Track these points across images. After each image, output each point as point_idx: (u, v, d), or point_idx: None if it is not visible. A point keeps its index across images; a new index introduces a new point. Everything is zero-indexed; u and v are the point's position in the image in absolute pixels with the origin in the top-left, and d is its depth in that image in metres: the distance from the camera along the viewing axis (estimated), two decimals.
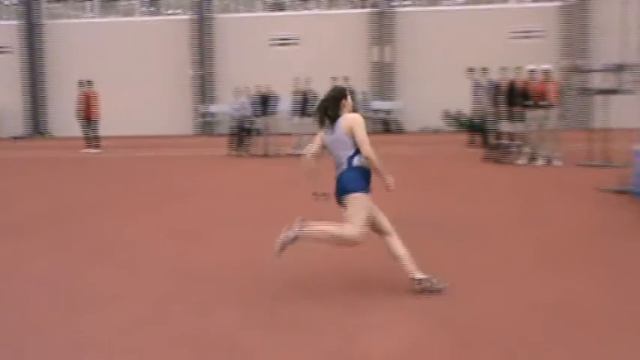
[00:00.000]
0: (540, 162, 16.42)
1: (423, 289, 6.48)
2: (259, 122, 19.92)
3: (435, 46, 28.60)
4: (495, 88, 18.07)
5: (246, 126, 20.04)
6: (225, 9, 31.18)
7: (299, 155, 16.04)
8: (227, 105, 22.24)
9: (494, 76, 18.57)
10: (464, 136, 22.10)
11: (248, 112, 19.92)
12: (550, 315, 6.01)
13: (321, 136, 6.72)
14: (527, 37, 28.91)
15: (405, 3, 30.88)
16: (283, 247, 6.64)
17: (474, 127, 21.27)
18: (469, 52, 26.16)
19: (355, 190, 6.47)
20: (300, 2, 32.02)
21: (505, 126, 17.59)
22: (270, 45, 29.50)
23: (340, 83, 20.41)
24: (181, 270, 7.92)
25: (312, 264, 7.97)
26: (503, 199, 12.39)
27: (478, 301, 6.45)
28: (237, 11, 31.47)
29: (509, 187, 13.62)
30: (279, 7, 32.19)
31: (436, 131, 28.35)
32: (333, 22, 29.91)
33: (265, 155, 19.54)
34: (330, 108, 6.64)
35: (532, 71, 17.01)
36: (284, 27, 29.94)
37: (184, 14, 30.75)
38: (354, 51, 29.14)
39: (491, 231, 9.57)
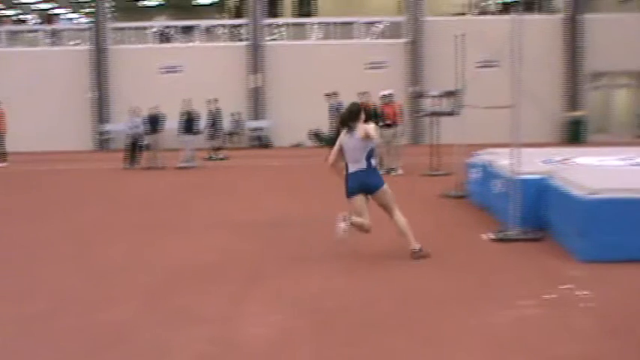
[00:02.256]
0: (381, 172, 17.05)
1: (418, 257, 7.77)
2: (148, 139, 20.15)
3: (301, 73, 29.23)
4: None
5: (139, 142, 20.25)
6: (119, 41, 30.93)
7: (187, 167, 16.24)
8: (122, 124, 22.43)
9: (354, 100, 18.99)
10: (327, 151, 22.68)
11: (140, 129, 20.14)
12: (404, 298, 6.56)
13: (340, 140, 7.87)
14: (379, 67, 29.77)
15: (273, 37, 31.46)
16: (344, 233, 7.61)
17: (330, 143, 21.89)
18: (331, 79, 26.82)
19: (383, 184, 7.79)
20: (184, 36, 32.12)
21: None
22: (160, 72, 29.49)
23: (210, 105, 21.30)
24: (82, 269, 7.94)
25: (206, 262, 8.32)
26: None
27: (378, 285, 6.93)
28: (130, 43, 31.28)
29: None
30: (167, 39, 32.21)
31: (298, 145, 28.88)
32: (213, 53, 30.27)
33: (151, 168, 19.71)
34: (351, 119, 7.78)
35: (383, 96, 17.77)
36: (171, 56, 30.00)
37: (83, 45, 30.40)
38: (232, 77, 29.51)
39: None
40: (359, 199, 7.85)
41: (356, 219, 7.77)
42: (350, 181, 7.84)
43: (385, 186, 7.89)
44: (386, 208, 7.91)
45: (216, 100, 22.45)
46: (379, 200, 7.88)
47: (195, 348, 5.33)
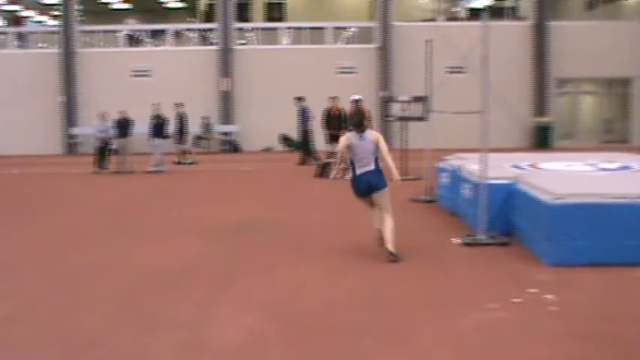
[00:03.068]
0: (350, 176, 17.04)
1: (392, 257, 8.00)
2: (117, 143, 20.01)
3: (271, 78, 29.22)
4: (327, 113, 18.73)
5: (108, 146, 20.10)
6: (88, 45, 30.71)
7: (157, 172, 16.04)
8: (91, 128, 22.22)
9: (325, 104, 19.05)
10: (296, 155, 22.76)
11: (110, 133, 19.99)
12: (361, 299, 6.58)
13: (347, 137, 8.23)
14: (350, 72, 29.86)
15: (244, 42, 31.45)
16: (392, 254, 8.00)
17: (299, 147, 22.02)
18: (302, 83, 26.88)
19: (387, 185, 8.22)
20: (154, 39, 31.98)
21: (327, 146, 18.34)
22: (130, 76, 29.31)
23: (178, 108, 21.23)
24: (52, 273, 7.88)
25: (177, 266, 8.30)
26: (325, 206, 13.03)
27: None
28: (99, 46, 31.07)
29: (329, 197, 14.27)
30: (137, 43, 32.06)
31: (268, 150, 28.89)
32: (183, 57, 30.18)
33: (120, 172, 19.57)
34: (361, 122, 8.15)
35: (353, 101, 17.83)
36: (141, 60, 29.84)
37: (52, 48, 30.11)
38: (202, 82, 29.41)
39: (314, 229, 10.20)
40: (366, 200, 8.45)
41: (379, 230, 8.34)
42: (358, 183, 8.30)
43: (387, 188, 8.29)
44: (382, 208, 8.27)
45: (182, 105, 22.34)
46: (378, 199, 8.27)
47: (167, 352, 5.32)
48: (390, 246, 8.09)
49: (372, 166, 8.17)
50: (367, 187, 8.24)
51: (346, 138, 8.34)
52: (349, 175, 15.68)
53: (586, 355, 5.16)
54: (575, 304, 6.35)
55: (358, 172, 8.24)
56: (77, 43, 30.06)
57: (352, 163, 8.32)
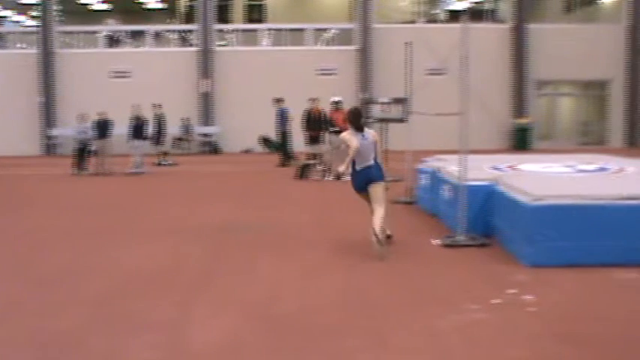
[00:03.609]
0: (330, 178, 17.12)
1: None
2: (96, 144, 19.88)
3: (251, 79, 29.21)
4: (307, 115, 18.69)
5: (88, 148, 19.97)
6: (68, 45, 30.53)
7: (137, 173, 15.99)
8: (70, 129, 22.03)
9: (305, 106, 19.00)
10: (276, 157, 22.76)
11: (89, 135, 19.85)
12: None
13: (354, 135, 8.48)
14: (330, 73, 29.89)
15: (223, 43, 31.41)
16: (377, 237, 8.22)
17: (278, 148, 22.03)
18: (282, 85, 26.88)
19: (383, 178, 8.70)
20: (133, 40, 31.86)
21: (307, 147, 18.34)
22: (109, 77, 29.16)
23: (155, 110, 21.29)
24: (29, 275, 7.81)
25: (156, 267, 8.26)
26: (305, 207, 13.04)
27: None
28: (79, 47, 30.89)
29: (309, 198, 14.29)
30: (116, 44, 31.92)
31: (248, 151, 28.88)
32: (163, 58, 30.09)
33: (99, 174, 19.45)
34: (362, 123, 8.56)
35: (333, 102, 17.82)
36: (120, 61, 29.70)
37: (30, 48, 29.90)
38: (182, 83, 29.33)
39: (294, 230, 10.23)
40: (364, 194, 8.76)
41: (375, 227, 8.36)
42: (359, 177, 8.68)
43: (384, 182, 8.68)
44: (375, 200, 8.54)
45: (160, 106, 22.20)
46: (375, 190, 8.59)
47: (144, 354, 5.29)
48: (377, 229, 8.25)
49: (372, 162, 8.60)
50: (366, 178, 8.61)
51: (353, 135, 8.54)
52: (329, 177, 15.74)
53: (564, 355, 5.20)
54: (553, 304, 6.39)
55: (358, 167, 8.63)
56: (56, 44, 29.87)
57: (352, 160, 8.61)
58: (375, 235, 8.20)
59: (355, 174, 8.71)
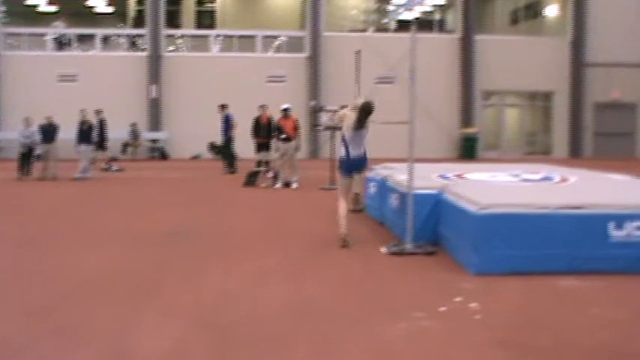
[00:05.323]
0: (279, 185, 17.10)
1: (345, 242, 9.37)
2: (41, 148, 19.52)
3: (201, 85, 29.08)
4: (256, 122, 18.62)
5: (33, 152, 19.59)
6: (14, 47, 29.94)
7: (83, 179, 15.71)
8: (16, 133, 21.55)
9: (254, 113, 18.88)
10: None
11: (35, 139, 19.48)
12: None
13: (348, 134, 9.36)
14: (280, 81, 29.90)
15: (173, 48, 31.17)
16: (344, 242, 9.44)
17: (222, 154, 22.01)
18: (231, 91, 26.81)
19: (366, 167, 9.89)
20: (82, 44, 31.39)
21: (256, 155, 18.30)
22: (57, 80, 28.70)
23: (98, 115, 20.95)
24: None
25: (99, 274, 8.09)
26: (253, 214, 12.98)
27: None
28: (25, 49, 30.30)
29: (258, 205, 14.22)
30: (64, 47, 31.41)
31: (197, 157, 28.73)
32: (111, 62, 29.73)
33: (45, 178, 19.09)
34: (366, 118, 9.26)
35: (282, 110, 17.78)
36: (68, 65, 29.26)
37: None
38: (130, 88, 29.02)
39: (243, 237, 10.11)
40: (348, 179, 9.62)
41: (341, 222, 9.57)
42: (348, 162, 9.47)
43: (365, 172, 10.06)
44: (355, 184, 9.71)
45: (102, 110, 21.80)
46: (357, 177, 9.65)
47: None
48: (351, 204, 9.87)
49: (362, 151, 9.46)
50: (354, 165, 9.48)
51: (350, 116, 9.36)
52: (278, 184, 15.74)
53: None
54: (498, 312, 6.42)
55: (352, 154, 9.40)
56: (1, 45, 29.27)
57: (346, 146, 9.40)
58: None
59: (347, 159, 9.45)
